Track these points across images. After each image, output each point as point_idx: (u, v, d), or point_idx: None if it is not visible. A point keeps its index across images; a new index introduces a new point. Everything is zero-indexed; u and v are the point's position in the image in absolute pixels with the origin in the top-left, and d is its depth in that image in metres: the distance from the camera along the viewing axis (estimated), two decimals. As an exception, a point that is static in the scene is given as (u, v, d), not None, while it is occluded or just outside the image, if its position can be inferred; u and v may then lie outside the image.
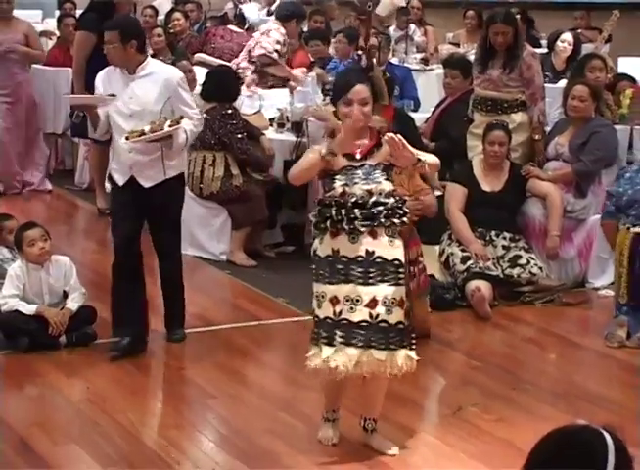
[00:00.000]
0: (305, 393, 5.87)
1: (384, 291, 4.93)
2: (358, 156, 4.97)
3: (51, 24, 12.76)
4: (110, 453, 5.20)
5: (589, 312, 7.49)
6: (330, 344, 4.96)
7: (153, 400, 5.94)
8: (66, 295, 6.70)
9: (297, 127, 8.78)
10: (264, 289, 7.79)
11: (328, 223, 4.94)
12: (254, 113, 9.09)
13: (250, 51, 10.22)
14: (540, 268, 7.53)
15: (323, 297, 4.98)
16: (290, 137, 8.82)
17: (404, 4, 13.12)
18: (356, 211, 4.89)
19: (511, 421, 5.46)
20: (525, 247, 7.59)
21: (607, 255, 7.63)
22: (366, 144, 5.01)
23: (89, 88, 9.15)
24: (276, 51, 10.02)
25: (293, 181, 5.20)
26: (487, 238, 7.53)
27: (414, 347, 5.04)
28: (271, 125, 9.07)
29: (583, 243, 7.79)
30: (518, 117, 8.00)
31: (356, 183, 4.93)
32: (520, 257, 7.51)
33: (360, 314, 4.92)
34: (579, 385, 6.19)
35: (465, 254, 7.36)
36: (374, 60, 8.92)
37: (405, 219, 5.01)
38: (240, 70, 9.90)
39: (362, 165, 4.96)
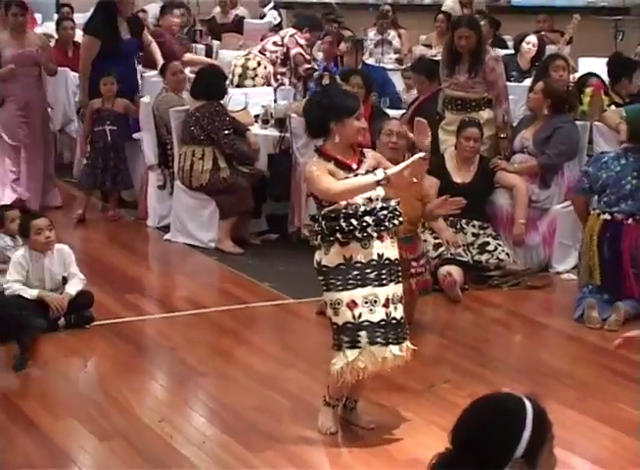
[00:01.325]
0: (289, 371, 5.87)
1: (392, 290, 4.92)
2: (355, 166, 4.93)
3: (50, 27, 12.68)
4: (106, 428, 5.19)
5: (553, 295, 7.50)
6: (353, 347, 4.88)
7: (146, 378, 5.92)
8: (65, 281, 6.68)
9: (281, 123, 8.77)
10: (250, 274, 7.77)
11: (338, 235, 4.82)
12: (241, 110, 9.07)
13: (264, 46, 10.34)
14: (507, 254, 7.55)
15: (339, 304, 4.88)
16: (274, 132, 8.80)
17: None
18: (367, 218, 4.83)
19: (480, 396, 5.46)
20: (493, 234, 7.61)
21: (569, 241, 7.66)
22: (356, 155, 4.98)
23: (93, 89, 9.13)
24: (309, 61, 10.15)
25: (340, 198, 4.85)
26: (458, 226, 7.54)
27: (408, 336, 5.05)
28: (256, 121, 9.05)
29: (547, 230, 7.80)
30: (485, 114, 8.02)
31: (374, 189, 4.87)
32: (488, 243, 7.53)
33: (379, 314, 4.87)
34: (544, 362, 6.20)
35: (437, 241, 7.36)
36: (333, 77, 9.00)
37: (402, 219, 5.00)
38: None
39: (356, 176, 4.90)
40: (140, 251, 8.77)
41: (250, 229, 8.65)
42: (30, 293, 6.51)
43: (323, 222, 4.87)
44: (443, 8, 13.18)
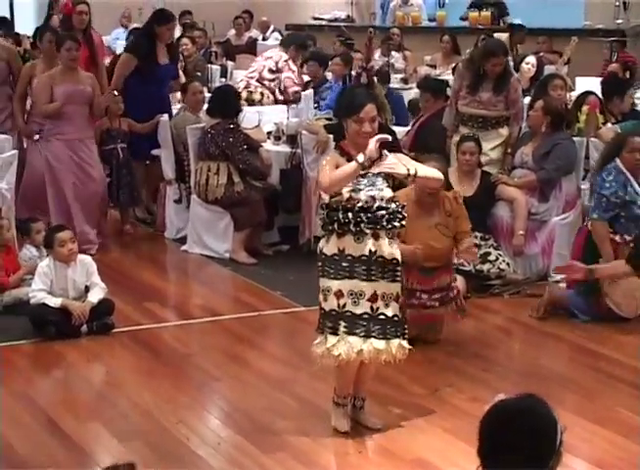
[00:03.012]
0: (300, 375, 5.86)
1: (383, 286, 4.92)
2: (366, 164, 4.92)
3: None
4: (126, 430, 5.20)
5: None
6: (334, 333, 4.94)
7: (164, 383, 5.92)
8: (87, 289, 6.69)
9: (292, 140, 8.78)
10: (263, 283, 7.77)
11: (335, 225, 4.89)
12: (254, 127, 9.08)
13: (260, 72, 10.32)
14: (508, 264, 7.54)
15: (329, 291, 4.94)
16: (285, 149, 8.81)
17: None
18: (362, 214, 4.86)
19: (482, 400, 5.37)
20: (494, 245, 7.60)
21: (566, 252, 7.64)
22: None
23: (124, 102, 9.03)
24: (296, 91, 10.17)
25: (329, 190, 4.93)
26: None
27: (406, 336, 5.04)
28: (269, 138, 9.06)
29: (546, 241, 7.80)
30: (504, 131, 8.09)
31: (361, 190, 4.89)
32: (489, 254, 7.52)
33: (362, 307, 4.90)
34: (543, 366, 6.19)
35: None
36: (374, 78, 8.96)
37: (404, 222, 5.00)
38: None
39: (366, 174, 4.91)
40: (158, 261, 8.78)
41: (262, 240, 8.64)
42: (54, 301, 6.53)
43: (326, 211, 4.95)
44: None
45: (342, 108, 5.11)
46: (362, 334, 4.91)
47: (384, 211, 4.90)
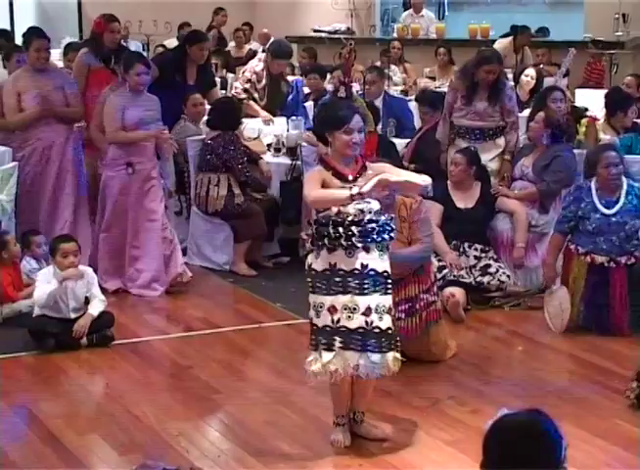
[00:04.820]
0: (300, 388, 5.85)
1: (376, 300, 4.89)
2: (350, 177, 4.93)
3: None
4: (126, 442, 5.19)
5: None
6: (329, 349, 4.91)
7: (164, 395, 5.91)
8: (87, 301, 6.69)
9: (292, 152, 8.79)
10: (263, 295, 7.77)
11: (326, 240, 4.87)
12: (254, 139, 9.09)
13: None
14: (508, 276, 7.54)
15: (321, 307, 4.91)
16: (285, 160, 8.83)
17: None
18: (353, 228, 4.83)
19: (483, 412, 5.44)
20: (494, 257, 7.59)
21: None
22: (356, 167, 4.98)
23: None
24: (245, 90, 9.96)
25: (313, 206, 4.97)
26: (461, 249, 7.53)
27: (399, 349, 5.02)
28: (269, 150, 9.07)
29: (546, 253, 7.78)
30: (501, 141, 8.11)
31: (349, 203, 4.86)
32: (490, 266, 7.51)
33: (357, 322, 4.87)
34: (543, 379, 6.18)
35: (441, 263, 7.35)
36: (353, 90, 8.92)
37: (393, 234, 4.98)
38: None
39: (351, 187, 4.88)
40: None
41: (262, 252, 8.64)
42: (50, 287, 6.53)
43: (314, 227, 4.92)
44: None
45: (328, 121, 5.00)
46: (358, 348, 4.88)
47: (374, 224, 4.87)
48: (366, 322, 4.87)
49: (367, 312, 4.88)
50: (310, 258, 4.99)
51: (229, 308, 7.73)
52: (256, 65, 10.05)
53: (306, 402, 5.67)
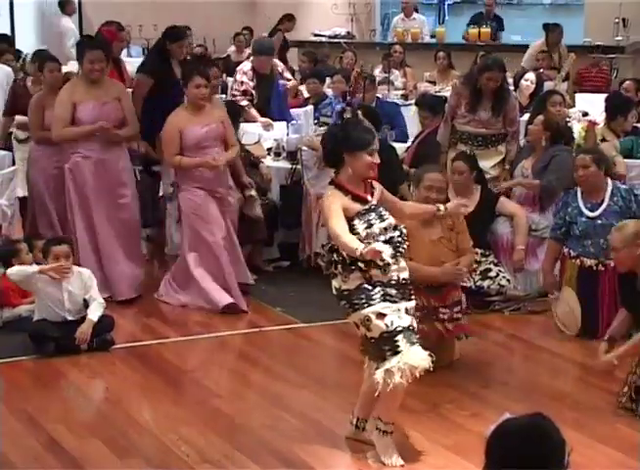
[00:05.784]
0: (300, 392, 5.86)
1: (407, 305, 4.92)
2: (369, 198, 4.94)
3: (74, 66, 12.71)
4: (127, 447, 5.19)
5: (552, 319, 7.46)
6: (395, 352, 4.82)
7: (165, 399, 5.91)
8: (86, 303, 6.68)
9: (292, 156, 8.79)
10: (263, 300, 7.77)
11: (360, 264, 4.81)
12: (254, 143, 9.09)
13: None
14: (508, 280, 7.53)
15: (369, 320, 4.85)
16: (286, 165, 8.83)
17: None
18: (386, 247, 4.83)
19: (483, 416, 5.44)
20: (494, 261, 7.59)
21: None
22: (369, 188, 4.98)
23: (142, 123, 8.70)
24: (244, 92, 9.97)
25: (333, 240, 4.90)
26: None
27: None
28: (269, 154, 9.07)
29: (543, 260, 7.77)
30: (503, 148, 8.15)
31: (373, 224, 4.87)
32: (490, 270, 7.51)
33: (407, 320, 4.88)
34: (543, 383, 6.18)
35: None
36: (358, 112, 8.95)
37: (407, 241, 5.01)
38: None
39: (370, 207, 4.91)
40: (158, 277, 8.75)
41: (263, 257, 8.64)
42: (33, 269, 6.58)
43: (344, 253, 4.85)
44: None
45: (353, 141, 4.92)
46: (418, 343, 4.88)
47: (400, 239, 4.92)
48: (412, 320, 4.91)
49: (410, 312, 4.93)
50: (337, 283, 4.92)
51: (229, 313, 7.71)
52: (244, 65, 10.08)
53: (306, 407, 5.67)
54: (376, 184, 5.07)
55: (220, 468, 4.98)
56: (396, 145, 8.99)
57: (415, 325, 4.93)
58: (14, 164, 8.72)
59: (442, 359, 6.26)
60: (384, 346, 4.86)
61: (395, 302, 4.87)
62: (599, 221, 6.88)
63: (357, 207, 4.90)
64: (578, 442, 5.05)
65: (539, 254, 7.78)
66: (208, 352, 6.74)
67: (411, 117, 10.26)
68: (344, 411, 5.29)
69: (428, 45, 14.81)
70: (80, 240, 7.64)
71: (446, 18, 17.94)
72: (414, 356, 4.83)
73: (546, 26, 12.89)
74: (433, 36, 15.68)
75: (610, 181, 7.03)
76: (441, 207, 5.43)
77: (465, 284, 7.32)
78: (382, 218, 4.93)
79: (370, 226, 4.87)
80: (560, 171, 7.80)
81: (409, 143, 9.27)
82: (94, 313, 6.62)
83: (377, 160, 4.95)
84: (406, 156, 8.88)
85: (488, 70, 8.03)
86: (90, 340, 6.55)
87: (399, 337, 4.84)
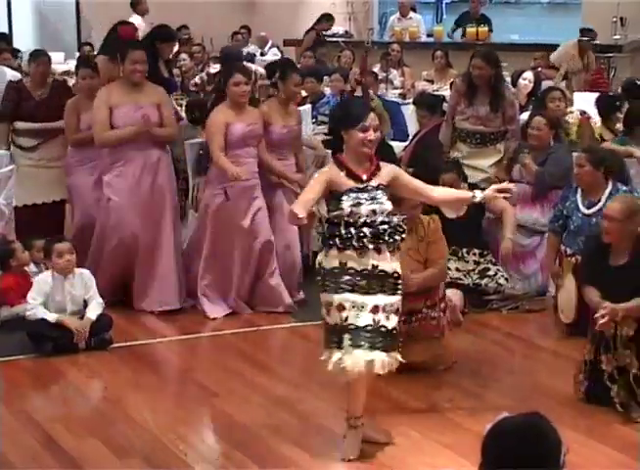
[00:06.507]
0: (299, 391, 5.86)
1: (383, 300, 4.90)
2: (364, 177, 4.93)
3: (72, 65, 12.71)
4: (125, 446, 5.19)
5: (549, 318, 7.47)
6: (339, 347, 4.90)
7: (163, 398, 5.92)
8: (86, 303, 6.70)
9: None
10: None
11: (337, 240, 4.86)
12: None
13: None
14: (506, 279, 7.54)
15: (330, 305, 4.92)
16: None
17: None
18: (365, 229, 4.84)
19: (480, 415, 5.44)
20: (492, 261, 7.58)
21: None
22: (370, 167, 4.97)
23: None
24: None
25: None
26: (460, 255, 7.51)
27: (399, 349, 5.03)
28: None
29: (544, 257, 7.78)
30: (501, 147, 8.12)
31: (362, 204, 4.86)
32: (488, 269, 7.51)
33: (365, 319, 4.87)
34: (541, 382, 6.18)
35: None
36: (370, 91, 8.94)
37: (404, 235, 4.98)
38: None
39: (366, 187, 4.90)
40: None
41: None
42: (51, 317, 6.54)
43: (326, 226, 4.92)
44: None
45: (344, 118, 4.99)
46: (367, 346, 4.88)
47: (386, 226, 4.88)
48: (373, 320, 4.88)
49: (374, 310, 4.88)
50: (320, 256, 5.00)
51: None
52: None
53: (306, 405, 5.68)
54: (386, 167, 5.01)
55: (219, 467, 4.99)
56: (395, 144, 9.00)
57: (378, 323, 4.87)
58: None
59: (440, 363, 6.30)
60: (332, 336, 4.93)
61: (365, 294, 4.86)
62: (594, 219, 6.87)
63: (350, 183, 4.90)
64: (576, 441, 5.06)
65: (538, 254, 7.78)
66: (207, 351, 6.75)
67: (409, 115, 10.28)
68: (343, 411, 5.28)
69: (425, 44, 14.81)
70: (113, 251, 7.43)
71: (444, 16, 17.93)
72: (351, 359, 4.86)
73: (582, 31, 12.83)
74: (429, 35, 15.68)
75: (610, 182, 7.01)
76: (478, 193, 5.20)
77: (462, 282, 7.34)
78: (375, 201, 4.89)
79: (357, 205, 4.86)
80: (554, 167, 7.79)
81: (407, 142, 9.28)
82: (92, 312, 6.63)
83: (370, 136, 4.90)
84: (404, 155, 8.88)
85: (473, 58, 8.06)
86: (88, 339, 6.56)
87: (346, 335, 4.88)
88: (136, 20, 15.13)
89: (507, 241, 7.44)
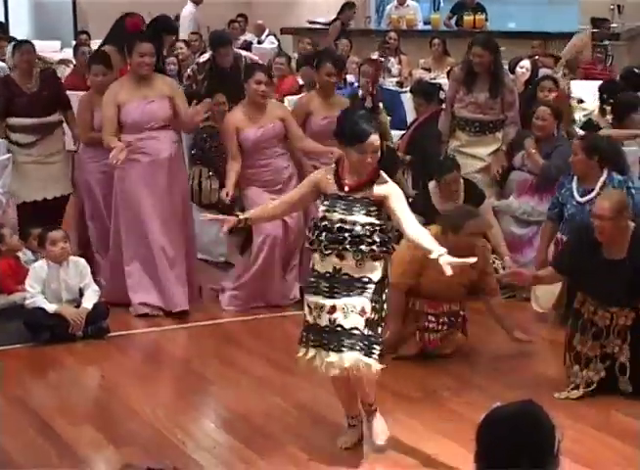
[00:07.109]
0: (296, 379, 5.85)
1: (344, 300, 4.81)
2: (346, 188, 4.85)
3: (68, 54, 12.69)
4: (122, 434, 5.20)
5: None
6: (306, 346, 4.91)
7: (160, 387, 5.92)
8: (81, 292, 6.69)
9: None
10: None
11: (308, 242, 4.94)
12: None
13: None
14: (503, 268, 7.51)
15: (307, 305, 4.94)
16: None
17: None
18: (323, 234, 4.82)
19: (479, 404, 5.42)
20: (490, 249, 7.54)
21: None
22: (357, 180, 4.86)
23: None
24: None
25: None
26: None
27: (373, 355, 4.83)
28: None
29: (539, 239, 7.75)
30: (500, 135, 8.08)
31: (336, 211, 4.83)
32: (485, 257, 7.48)
33: (324, 320, 4.84)
34: (538, 371, 6.19)
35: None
36: (380, 104, 8.90)
37: (374, 247, 4.80)
38: None
39: (347, 197, 4.84)
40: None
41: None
42: (49, 307, 6.53)
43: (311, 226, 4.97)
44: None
45: (346, 135, 4.88)
46: (327, 347, 4.82)
47: (346, 234, 4.78)
48: (329, 320, 4.81)
49: (331, 311, 4.82)
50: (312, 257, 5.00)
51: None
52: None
53: (302, 394, 5.67)
54: (384, 184, 4.89)
55: (215, 455, 4.99)
56: (394, 132, 8.98)
57: (334, 323, 4.79)
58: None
59: (447, 347, 6.31)
60: (304, 333, 4.95)
61: (326, 297, 4.82)
62: (587, 208, 6.84)
63: (332, 189, 4.88)
64: (576, 429, 5.08)
65: (535, 242, 7.76)
66: (204, 340, 6.74)
67: (407, 103, 10.26)
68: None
69: (423, 32, 14.79)
70: (128, 247, 7.23)
71: (441, 4, 17.90)
72: (316, 359, 4.87)
73: (594, 21, 12.78)
74: (427, 23, 15.66)
75: (606, 171, 6.98)
76: (441, 252, 4.74)
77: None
78: (348, 212, 4.81)
79: (330, 211, 4.83)
80: (560, 160, 7.74)
81: (404, 130, 9.26)
82: (89, 301, 6.62)
83: (367, 159, 4.81)
84: (401, 142, 8.87)
85: (472, 44, 8.02)
86: (85, 327, 6.55)
87: (311, 335, 4.89)
88: (190, 8, 15.11)
89: (507, 262, 7.43)
